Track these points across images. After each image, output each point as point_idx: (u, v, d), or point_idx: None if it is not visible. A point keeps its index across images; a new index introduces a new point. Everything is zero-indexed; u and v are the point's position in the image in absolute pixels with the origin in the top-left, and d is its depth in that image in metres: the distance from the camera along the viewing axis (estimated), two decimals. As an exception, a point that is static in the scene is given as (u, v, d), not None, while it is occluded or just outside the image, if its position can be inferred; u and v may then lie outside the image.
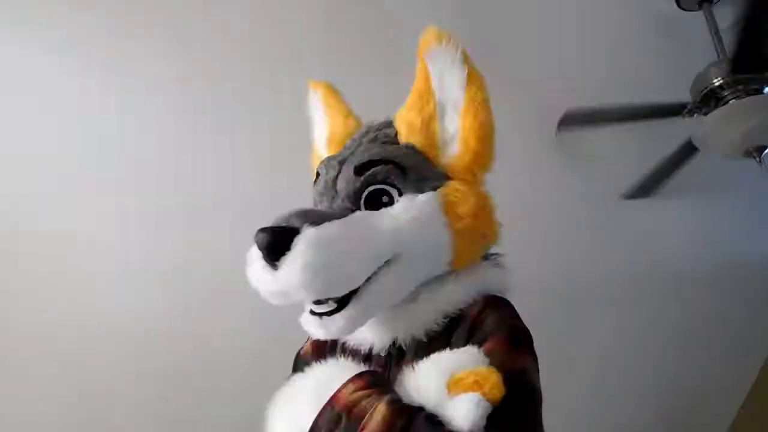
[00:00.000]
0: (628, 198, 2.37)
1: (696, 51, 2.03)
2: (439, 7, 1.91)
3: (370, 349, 0.83)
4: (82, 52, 1.92)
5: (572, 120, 2.09)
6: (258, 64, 2.03)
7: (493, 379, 0.63)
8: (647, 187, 2.29)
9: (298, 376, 0.79)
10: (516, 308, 0.82)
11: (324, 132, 1.02)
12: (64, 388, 2.38)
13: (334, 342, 0.90)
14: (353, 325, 0.78)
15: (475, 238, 0.84)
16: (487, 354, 0.70)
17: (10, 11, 1.81)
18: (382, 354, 0.82)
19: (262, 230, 0.72)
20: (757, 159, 1.89)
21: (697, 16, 2.04)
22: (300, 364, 0.93)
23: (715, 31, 2.00)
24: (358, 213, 0.80)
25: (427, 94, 0.86)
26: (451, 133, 0.85)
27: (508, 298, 0.84)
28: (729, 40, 1.76)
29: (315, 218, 0.74)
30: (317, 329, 0.78)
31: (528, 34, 2.12)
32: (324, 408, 0.68)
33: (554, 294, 2.60)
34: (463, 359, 0.67)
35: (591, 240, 2.73)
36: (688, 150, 2.07)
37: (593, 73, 2.25)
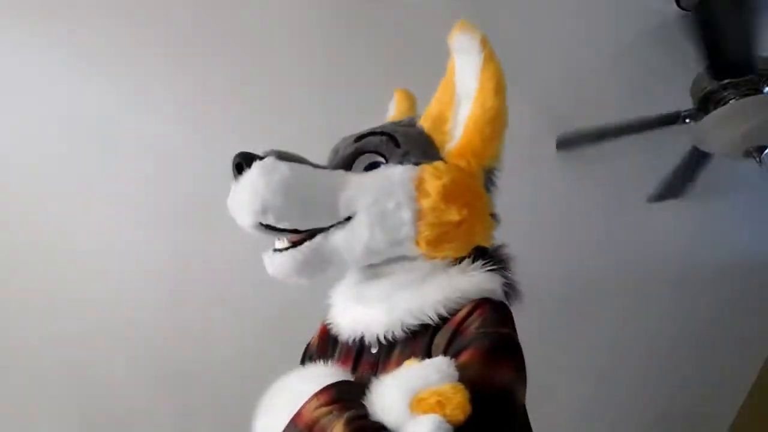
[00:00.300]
0: (653, 201, 2.39)
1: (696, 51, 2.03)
2: (438, 7, 1.91)
3: (361, 346, 0.83)
4: (82, 52, 1.92)
5: (569, 142, 2.12)
6: (259, 67, 2.03)
7: (457, 400, 0.59)
8: (674, 189, 2.29)
9: (282, 380, 0.78)
10: (512, 311, 0.80)
11: None
12: (63, 387, 2.38)
13: (335, 337, 0.90)
14: (295, 269, 0.79)
15: (442, 221, 0.79)
16: (461, 367, 0.66)
17: (13, 22, 1.82)
18: (373, 350, 0.82)
19: (237, 153, 0.78)
20: (757, 159, 1.88)
21: (698, 16, 2.04)
22: (307, 354, 0.96)
23: (715, 31, 2.00)
24: (338, 171, 0.83)
25: (450, 85, 0.87)
26: (461, 121, 0.85)
27: (509, 303, 0.81)
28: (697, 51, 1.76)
29: (286, 156, 0.78)
30: (267, 264, 0.82)
31: (527, 35, 2.12)
32: (288, 426, 0.67)
33: (553, 294, 2.60)
34: (429, 375, 0.63)
35: (590, 240, 2.73)
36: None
37: (593, 73, 2.25)
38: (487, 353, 0.70)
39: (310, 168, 0.81)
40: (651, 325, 2.98)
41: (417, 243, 0.80)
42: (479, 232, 0.85)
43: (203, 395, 2.50)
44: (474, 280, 0.80)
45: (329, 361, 0.88)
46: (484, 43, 0.82)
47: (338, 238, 0.79)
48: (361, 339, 0.83)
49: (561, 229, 2.62)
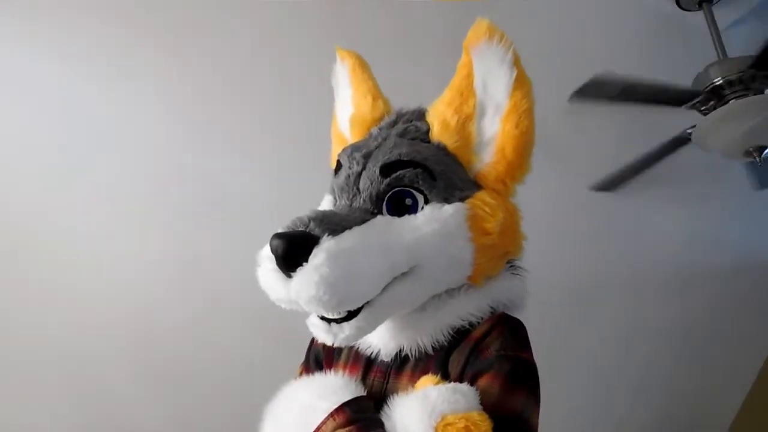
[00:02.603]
0: (597, 190, 2.28)
1: (696, 51, 2.03)
2: (439, 8, 1.91)
3: (375, 354, 0.81)
4: (86, 53, 1.92)
5: (607, 185, 2.20)
6: (263, 66, 2.02)
7: (484, 427, 0.61)
8: (618, 180, 2.23)
9: (290, 389, 0.76)
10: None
11: (347, 108, 0.96)
12: (63, 388, 2.38)
13: None
14: (361, 334, 0.75)
15: (498, 254, 0.80)
16: (482, 391, 0.67)
17: (19, 21, 1.82)
18: (386, 359, 0.81)
19: (279, 236, 0.68)
20: (757, 159, 1.88)
21: (697, 16, 2.04)
22: (312, 352, 0.93)
23: (715, 31, 2.00)
24: (378, 219, 0.76)
25: (467, 91, 0.81)
26: (488, 138, 0.81)
27: (522, 311, 0.82)
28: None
29: (335, 225, 0.70)
30: (325, 335, 0.74)
31: (526, 35, 2.11)
32: None
33: (552, 294, 2.60)
34: (457, 401, 0.64)
35: (591, 240, 2.73)
36: (672, 145, 2.06)
37: (592, 73, 2.25)
38: (506, 379, 0.70)
39: (361, 234, 0.72)
40: (651, 324, 2.98)
41: (471, 278, 0.79)
42: (517, 251, 0.85)
43: (203, 396, 2.50)
44: (496, 289, 0.81)
45: (337, 361, 0.87)
46: (517, 57, 0.78)
47: (399, 291, 0.74)
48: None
49: (561, 230, 2.62)
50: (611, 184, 2.23)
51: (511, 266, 0.85)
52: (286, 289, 0.68)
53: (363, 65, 0.97)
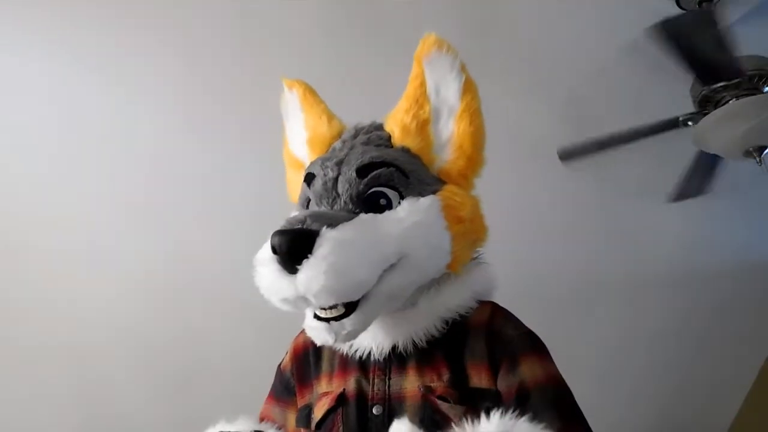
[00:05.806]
0: (562, 158, 2.15)
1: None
2: (435, 6, 1.91)
3: (368, 355, 0.82)
4: (86, 53, 1.92)
5: (570, 154, 2.09)
6: (264, 66, 2.02)
7: None
8: (586, 150, 2.10)
9: None
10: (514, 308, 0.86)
11: (302, 132, 1.00)
12: (63, 388, 2.38)
13: (318, 351, 0.89)
14: (361, 329, 0.77)
15: (470, 241, 0.87)
16: (528, 370, 0.76)
17: (18, 20, 1.82)
18: (380, 357, 0.82)
19: (281, 233, 0.70)
20: (757, 159, 1.88)
21: (697, 16, 2.04)
22: (281, 381, 0.94)
23: (715, 31, 2.00)
24: (363, 216, 0.79)
25: (422, 98, 0.87)
26: (445, 138, 0.87)
27: (493, 297, 0.88)
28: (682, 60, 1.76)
29: (331, 221, 0.73)
30: (325, 334, 0.75)
31: (526, 35, 2.12)
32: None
33: (553, 294, 2.60)
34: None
35: (591, 240, 2.73)
36: (664, 126, 2.03)
37: (593, 73, 2.25)
38: (539, 353, 0.81)
39: (354, 227, 0.75)
40: (651, 325, 2.98)
41: (450, 266, 0.83)
42: (484, 239, 0.92)
43: (203, 396, 2.50)
44: (474, 279, 0.87)
45: (317, 374, 0.88)
46: (463, 63, 0.86)
47: (390, 283, 0.77)
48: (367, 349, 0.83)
49: (562, 230, 2.62)
50: (577, 152, 2.10)
51: (477, 256, 0.92)
52: (293, 286, 0.70)
53: (312, 91, 1.01)
